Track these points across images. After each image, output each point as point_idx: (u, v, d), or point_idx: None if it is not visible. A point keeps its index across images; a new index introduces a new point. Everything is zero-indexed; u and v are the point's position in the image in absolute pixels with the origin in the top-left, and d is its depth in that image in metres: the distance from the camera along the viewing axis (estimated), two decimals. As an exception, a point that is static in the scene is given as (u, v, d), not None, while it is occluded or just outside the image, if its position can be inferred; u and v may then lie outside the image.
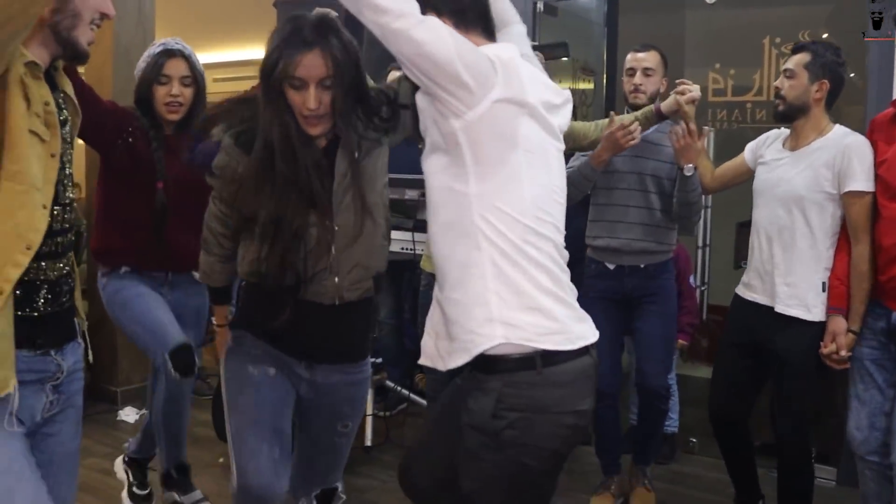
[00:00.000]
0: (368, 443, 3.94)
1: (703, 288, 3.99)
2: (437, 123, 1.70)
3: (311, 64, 1.88)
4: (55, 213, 1.69)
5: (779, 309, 2.85)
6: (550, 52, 3.49)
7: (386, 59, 2.86)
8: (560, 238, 1.81)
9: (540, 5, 4.39)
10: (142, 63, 2.83)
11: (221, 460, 3.68)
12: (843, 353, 2.75)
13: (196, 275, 2.43)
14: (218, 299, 2.34)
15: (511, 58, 1.74)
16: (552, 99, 1.84)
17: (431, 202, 1.79)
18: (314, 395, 2.18)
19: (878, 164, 2.70)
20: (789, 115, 2.87)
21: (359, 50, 2.01)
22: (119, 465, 3.29)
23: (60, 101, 1.74)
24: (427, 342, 1.88)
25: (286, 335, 2.07)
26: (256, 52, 3.94)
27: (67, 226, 1.76)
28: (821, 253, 2.83)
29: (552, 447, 1.75)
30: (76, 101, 1.81)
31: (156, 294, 2.87)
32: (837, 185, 2.75)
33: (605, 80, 5.10)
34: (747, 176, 3.09)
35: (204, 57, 2.96)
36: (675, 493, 3.56)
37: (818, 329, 2.82)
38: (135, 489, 3.20)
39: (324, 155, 2.02)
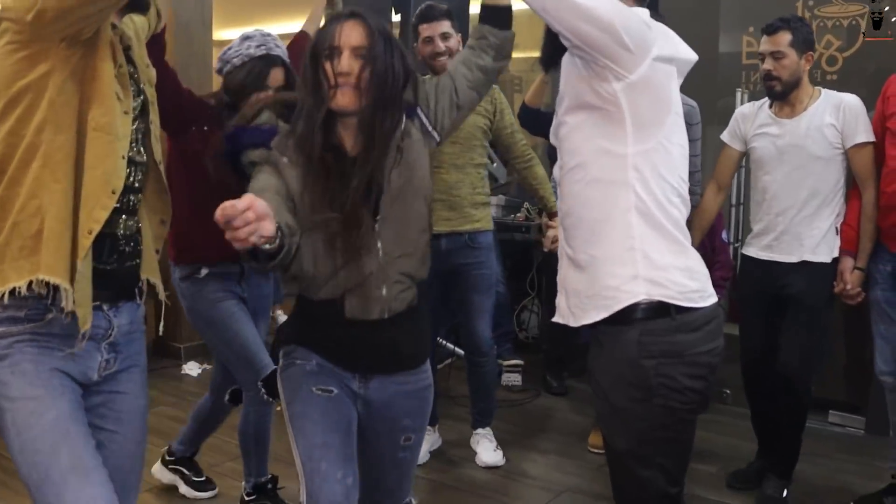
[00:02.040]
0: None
1: (736, 245, 4.11)
2: (595, 86, 1.72)
3: (348, 32, 1.85)
4: (129, 170, 1.79)
5: (796, 259, 3.06)
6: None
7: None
8: (685, 198, 1.87)
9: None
10: (235, 60, 2.69)
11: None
12: (850, 288, 3.01)
13: None
14: None
15: (656, 24, 1.81)
16: (690, 56, 1.90)
17: (576, 160, 1.81)
18: (371, 412, 2.04)
19: (888, 117, 2.88)
20: (787, 92, 3.03)
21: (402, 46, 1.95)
22: (160, 469, 3.27)
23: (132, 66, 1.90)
24: (560, 300, 1.91)
25: (336, 347, 1.98)
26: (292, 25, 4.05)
27: (138, 185, 1.86)
28: (832, 203, 3.05)
29: (694, 387, 1.77)
30: (152, 69, 1.97)
31: (239, 306, 2.86)
32: (842, 141, 2.98)
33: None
34: (741, 160, 3.28)
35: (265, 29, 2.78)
36: (708, 440, 3.70)
37: (829, 270, 3.06)
38: (193, 478, 3.24)
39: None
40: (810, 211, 3.04)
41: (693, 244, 3.16)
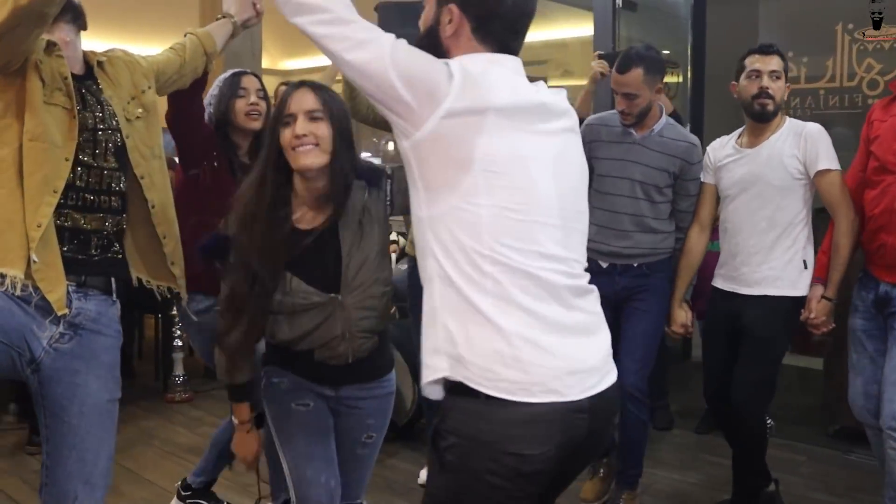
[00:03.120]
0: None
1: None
2: (398, 143, 1.61)
3: (300, 98, 2.03)
4: (79, 171, 2.04)
5: (754, 292, 3.02)
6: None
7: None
8: (556, 264, 1.60)
9: (619, 1, 4.51)
10: (214, 90, 2.96)
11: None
12: (813, 317, 2.94)
13: None
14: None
15: (487, 70, 1.58)
16: (546, 101, 1.66)
17: None
18: (341, 409, 2.27)
19: (871, 140, 2.85)
20: (775, 113, 3.02)
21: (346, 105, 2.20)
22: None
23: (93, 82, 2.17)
24: None
25: (307, 371, 2.20)
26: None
27: (98, 187, 2.10)
28: (792, 234, 2.99)
29: (489, 483, 1.55)
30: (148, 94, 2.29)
31: None
32: (805, 169, 2.94)
33: (689, 73, 5.18)
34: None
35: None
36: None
37: (787, 303, 3.00)
38: None
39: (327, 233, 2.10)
40: (768, 242, 3.00)
41: (680, 286, 3.18)
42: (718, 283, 3.17)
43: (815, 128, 2.97)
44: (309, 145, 2.01)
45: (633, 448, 3.31)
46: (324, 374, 2.20)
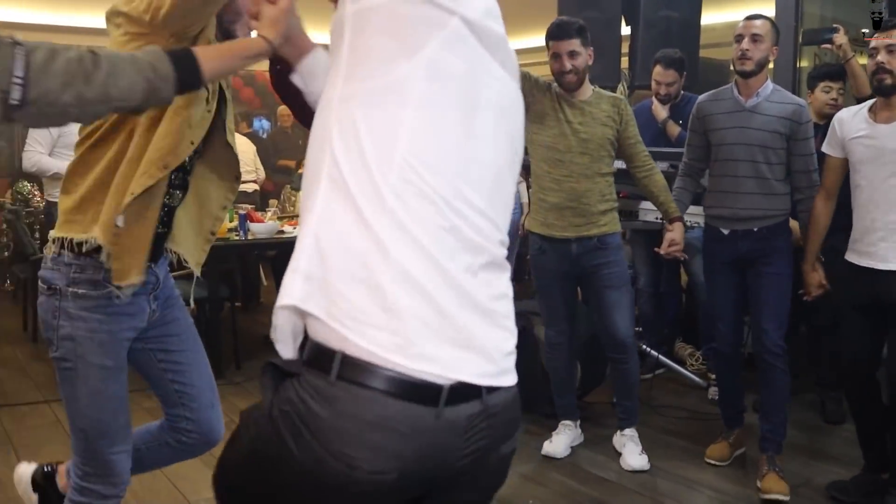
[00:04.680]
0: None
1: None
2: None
3: None
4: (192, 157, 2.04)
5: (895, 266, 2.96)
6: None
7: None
8: (477, 216, 1.26)
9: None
10: None
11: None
12: None
13: None
14: None
15: None
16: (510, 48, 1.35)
17: None
18: None
19: None
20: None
21: None
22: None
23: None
24: None
25: None
26: (537, 39, 4.22)
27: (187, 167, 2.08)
28: None
29: (307, 482, 1.22)
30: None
31: None
32: None
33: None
34: (845, 166, 3.15)
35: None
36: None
37: None
38: None
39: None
40: None
41: (812, 248, 3.20)
42: (853, 257, 3.11)
43: None
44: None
45: (778, 409, 3.36)
46: None
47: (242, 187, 4.74)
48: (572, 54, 3.36)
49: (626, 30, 4.83)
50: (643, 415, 3.99)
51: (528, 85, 3.42)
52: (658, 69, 4.46)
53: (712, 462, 3.60)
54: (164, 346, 2.21)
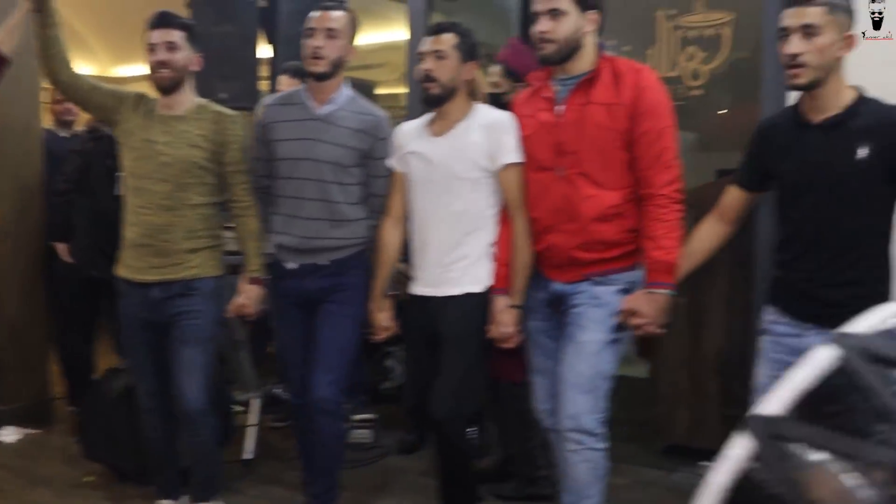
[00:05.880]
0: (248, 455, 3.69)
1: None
2: None
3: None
4: None
5: (447, 293, 2.73)
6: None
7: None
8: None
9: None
10: None
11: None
12: (504, 329, 2.66)
13: None
14: None
15: None
16: None
17: None
18: None
19: (524, 140, 2.63)
20: (444, 98, 2.73)
21: None
22: None
23: None
24: None
25: None
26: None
27: None
28: (483, 229, 2.72)
29: None
30: None
31: None
32: (490, 161, 2.66)
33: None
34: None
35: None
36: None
37: (480, 299, 2.71)
38: None
39: None
40: (456, 237, 2.70)
41: (376, 293, 2.88)
42: (415, 287, 2.85)
43: (502, 117, 2.68)
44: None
45: (329, 470, 3.02)
46: None
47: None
48: (171, 46, 2.82)
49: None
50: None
51: (114, 101, 2.92)
52: (284, 79, 4.01)
53: None
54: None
